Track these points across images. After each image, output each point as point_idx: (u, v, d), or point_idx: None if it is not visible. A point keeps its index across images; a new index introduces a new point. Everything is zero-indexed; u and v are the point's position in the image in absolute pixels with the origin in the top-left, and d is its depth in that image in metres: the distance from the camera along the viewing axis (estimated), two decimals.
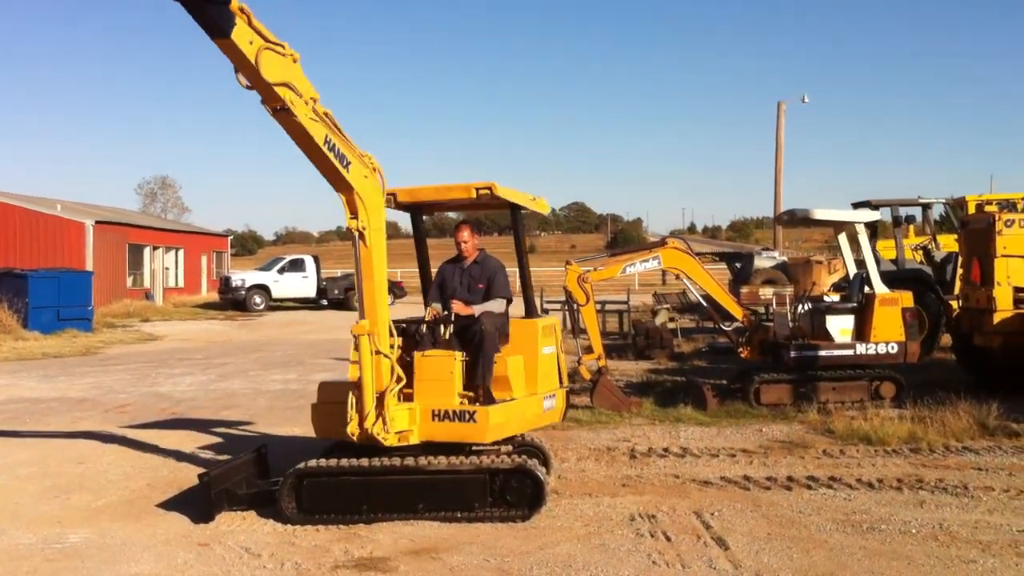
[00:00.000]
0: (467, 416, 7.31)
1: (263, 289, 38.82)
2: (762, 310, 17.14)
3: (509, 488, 7.26)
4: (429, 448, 7.41)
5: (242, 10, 6.21)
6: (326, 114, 6.83)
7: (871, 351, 12.21)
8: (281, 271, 39.39)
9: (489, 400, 7.50)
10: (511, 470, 7.28)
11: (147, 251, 43.18)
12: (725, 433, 10.76)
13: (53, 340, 24.33)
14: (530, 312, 8.41)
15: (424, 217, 9.00)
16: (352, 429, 7.22)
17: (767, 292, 23.65)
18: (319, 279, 39.86)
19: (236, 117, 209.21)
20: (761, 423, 11.24)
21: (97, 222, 37.16)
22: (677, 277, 13.38)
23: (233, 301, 38.53)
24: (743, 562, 6.21)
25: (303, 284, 39.56)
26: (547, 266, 56.20)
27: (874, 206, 16.19)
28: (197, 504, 7.49)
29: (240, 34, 6.21)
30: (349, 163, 7.03)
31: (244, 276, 40.27)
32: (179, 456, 9.73)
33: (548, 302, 22.72)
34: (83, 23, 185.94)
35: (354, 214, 7.11)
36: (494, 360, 7.69)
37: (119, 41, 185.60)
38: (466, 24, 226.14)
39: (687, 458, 9.45)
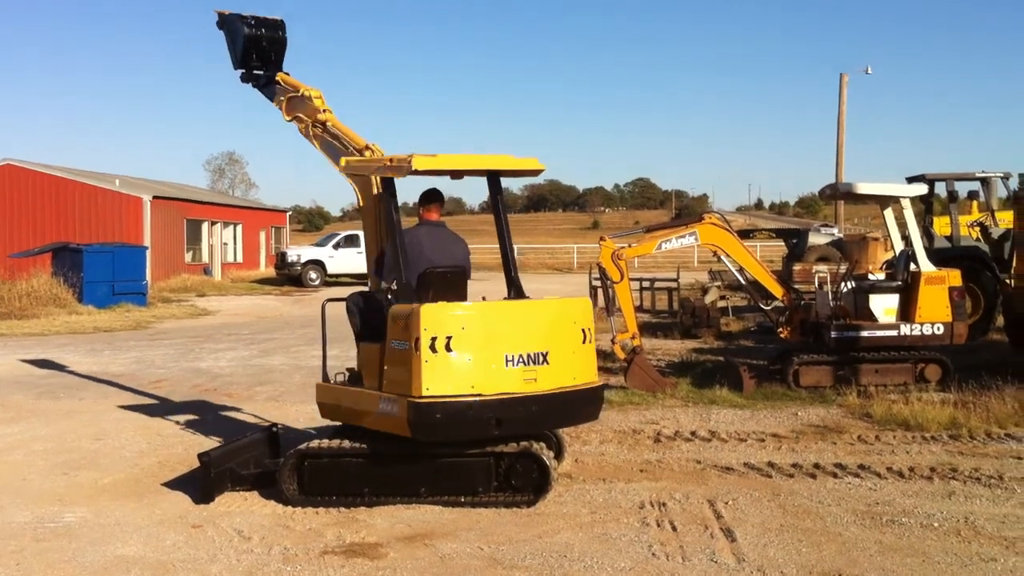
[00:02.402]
0: None
1: (318, 265, 38.91)
2: (813, 288, 16.61)
3: (514, 472, 7.03)
4: None
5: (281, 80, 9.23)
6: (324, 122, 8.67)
7: (916, 332, 11.68)
8: (336, 247, 39.39)
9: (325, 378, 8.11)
10: (516, 454, 7.04)
11: (205, 226, 43.54)
12: (759, 416, 10.38)
13: (106, 314, 24.61)
14: (510, 293, 7.86)
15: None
16: None
17: (821, 269, 22.99)
18: None
19: None
20: (798, 406, 10.83)
21: (155, 197, 37.50)
22: (715, 255, 12.97)
23: (289, 276, 38.77)
24: (747, 555, 5.89)
25: (358, 259, 39.44)
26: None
27: (928, 180, 15.57)
28: (201, 484, 7.36)
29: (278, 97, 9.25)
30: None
31: (300, 252, 40.41)
32: (197, 434, 9.66)
33: (596, 279, 22.31)
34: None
35: None
36: (357, 339, 7.92)
37: (190, 19, 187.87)
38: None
39: (713, 442, 9.12)
